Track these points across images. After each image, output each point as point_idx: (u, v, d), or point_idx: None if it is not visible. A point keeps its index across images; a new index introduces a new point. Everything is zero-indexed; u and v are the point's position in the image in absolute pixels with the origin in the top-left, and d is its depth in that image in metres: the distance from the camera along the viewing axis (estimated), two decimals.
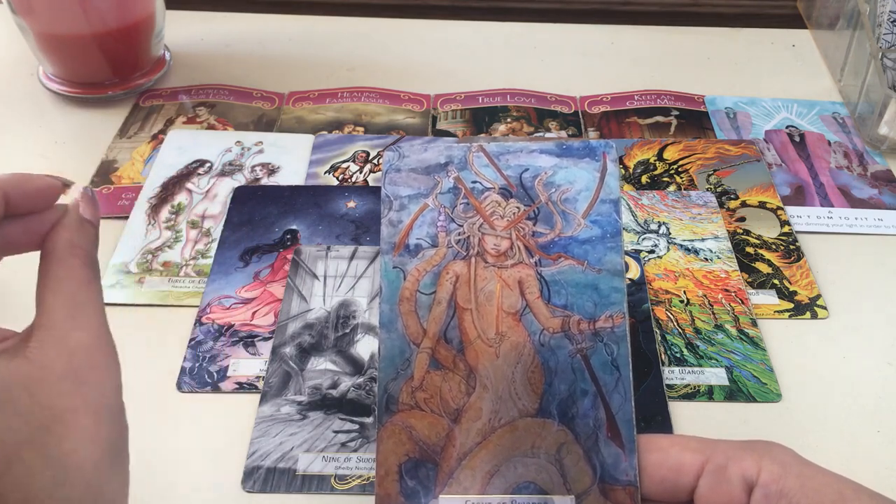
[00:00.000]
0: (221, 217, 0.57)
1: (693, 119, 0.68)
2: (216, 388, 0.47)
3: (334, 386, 0.47)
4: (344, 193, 0.59)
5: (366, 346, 0.49)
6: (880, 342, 0.50)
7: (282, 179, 0.61)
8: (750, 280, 0.54)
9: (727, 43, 0.78)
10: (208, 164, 0.62)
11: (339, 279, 0.52)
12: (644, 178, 0.61)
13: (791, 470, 0.30)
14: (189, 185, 0.60)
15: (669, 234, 0.56)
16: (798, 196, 0.61)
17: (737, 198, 0.60)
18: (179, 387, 0.47)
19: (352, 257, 0.54)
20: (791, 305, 0.52)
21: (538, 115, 0.69)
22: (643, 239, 0.56)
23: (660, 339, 0.50)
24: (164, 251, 0.55)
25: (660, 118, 0.68)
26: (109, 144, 0.64)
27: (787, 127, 0.67)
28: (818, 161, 0.64)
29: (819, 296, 0.53)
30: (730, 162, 0.63)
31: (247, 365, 0.48)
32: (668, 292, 0.52)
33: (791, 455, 0.31)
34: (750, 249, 0.56)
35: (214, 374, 0.48)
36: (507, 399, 0.34)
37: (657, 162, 0.63)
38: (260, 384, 0.47)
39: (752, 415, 0.46)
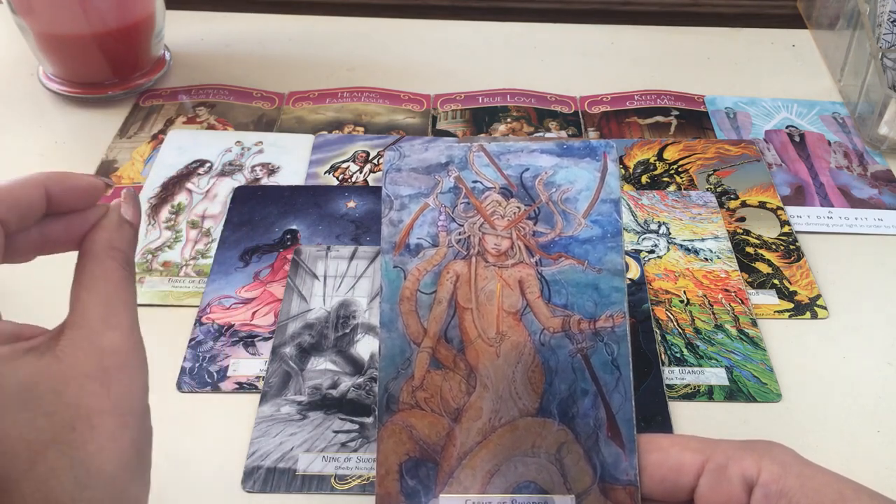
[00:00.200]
0: (221, 217, 0.57)
1: (693, 119, 0.68)
2: (216, 388, 0.47)
3: (334, 386, 0.47)
4: (344, 193, 0.59)
5: (366, 346, 0.49)
6: (880, 342, 0.50)
7: (282, 179, 0.61)
8: (750, 280, 0.54)
9: (727, 43, 0.78)
10: (208, 164, 0.62)
11: (339, 279, 0.52)
12: (644, 178, 0.61)
13: (791, 470, 0.30)
14: (189, 185, 0.60)
15: (669, 234, 0.56)
16: (798, 196, 0.61)
17: (737, 198, 0.60)
18: (179, 387, 0.47)
19: (352, 257, 0.54)
20: (791, 305, 0.52)
21: (538, 115, 0.68)
22: (643, 239, 0.56)
23: (660, 339, 0.50)
24: (164, 251, 0.55)
25: (660, 118, 0.68)
26: (109, 144, 0.64)
27: (787, 127, 0.67)
28: (818, 161, 0.64)
29: (819, 296, 0.53)
30: (730, 162, 0.63)
31: (247, 365, 0.48)
32: (668, 292, 0.52)
33: (791, 455, 0.31)
34: (750, 249, 0.56)
35: (214, 374, 0.48)
36: (507, 398, 0.34)
37: (657, 162, 0.63)
38: (260, 384, 0.47)
39: (752, 415, 0.46)
